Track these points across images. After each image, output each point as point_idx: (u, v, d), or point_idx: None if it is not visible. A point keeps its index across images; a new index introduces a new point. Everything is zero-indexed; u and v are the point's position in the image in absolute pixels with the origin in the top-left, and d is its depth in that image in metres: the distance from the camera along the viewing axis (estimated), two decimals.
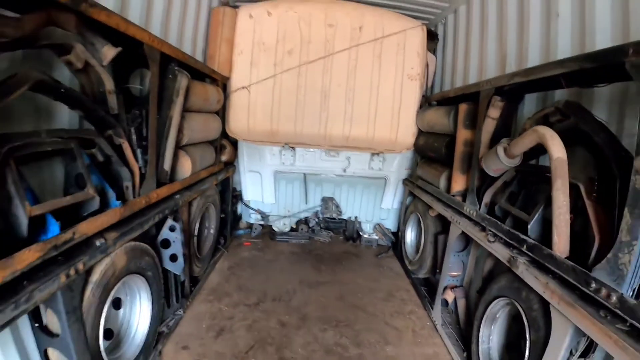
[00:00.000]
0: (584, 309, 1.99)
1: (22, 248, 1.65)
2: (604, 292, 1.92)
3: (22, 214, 1.69)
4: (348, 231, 6.49)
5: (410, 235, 5.50)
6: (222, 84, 4.99)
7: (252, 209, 6.20)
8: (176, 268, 3.35)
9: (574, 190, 2.32)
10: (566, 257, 2.24)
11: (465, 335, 3.67)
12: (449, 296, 4.04)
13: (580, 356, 2.25)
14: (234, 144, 5.68)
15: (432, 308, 4.22)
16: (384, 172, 5.95)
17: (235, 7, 5.56)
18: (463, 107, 3.83)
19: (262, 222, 6.31)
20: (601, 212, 2.15)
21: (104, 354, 2.43)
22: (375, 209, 6.34)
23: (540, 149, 2.64)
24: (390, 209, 6.30)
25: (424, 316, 4.31)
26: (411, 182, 5.44)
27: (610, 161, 2.12)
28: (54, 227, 1.86)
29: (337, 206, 6.21)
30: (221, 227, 5.30)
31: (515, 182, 3.02)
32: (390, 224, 6.42)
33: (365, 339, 3.78)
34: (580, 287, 2.08)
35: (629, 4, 2.56)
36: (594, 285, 1.98)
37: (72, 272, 1.94)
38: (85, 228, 2.05)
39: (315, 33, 5.34)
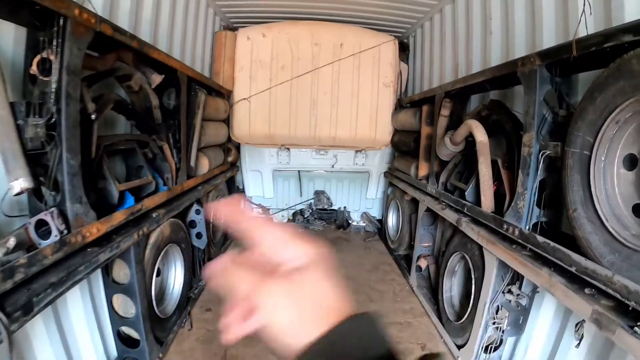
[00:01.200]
0: (501, 245, 2.87)
1: (114, 212, 2.52)
2: (510, 229, 2.80)
3: (114, 189, 2.55)
4: (338, 220, 7.36)
5: (391, 219, 6.39)
6: (227, 96, 5.88)
7: (254, 203, 7.07)
8: (200, 244, 4.21)
9: (495, 164, 3.22)
10: (491, 212, 3.13)
11: (436, 292, 4.54)
12: (422, 263, 4.93)
13: (509, 284, 3.13)
14: (237, 147, 6.57)
15: (410, 275, 5.09)
16: (367, 166, 6.87)
17: (235, 29, 6.47)
18: (425, 108, 4.75)
19: (263, 215, 7.16)
20: (510, 176, 3.04)
21: (154, 302, 3.27)
22: (362, 199, 7.26)
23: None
24: (374, 199, 7.22)
25: (403, 282, 5.18)
26: (390, 174, 6.34)
27: (512, 140, 3.02)
28: (129, 200, 2.72)
29: (328, 198, 7.11)
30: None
31: (461, 164, 3.92)
32: (376, 212, 7.33)
33: (353, 299, 4.63)
34: (498, 229, 2.96)
35: (535, 24, 3.45)
36: (505, 226, 2.87)
37: (140, 233, 2.79)
38: (148, 203, 2.92)
39: (304, 51, 6.26)
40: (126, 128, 3.51)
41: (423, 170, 4.74)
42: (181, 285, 3.86)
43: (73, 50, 2.01)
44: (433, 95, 4.46)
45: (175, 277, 3.82)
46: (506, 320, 3.05)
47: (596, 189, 2.06)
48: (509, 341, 3.44)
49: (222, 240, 5.76)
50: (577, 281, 2.16)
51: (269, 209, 7.11)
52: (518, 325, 3.11)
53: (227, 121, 5.81)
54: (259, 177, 6.86)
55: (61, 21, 1.95)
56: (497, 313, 3.14)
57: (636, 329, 1.74)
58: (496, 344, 3.29)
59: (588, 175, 2.09)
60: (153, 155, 3.26)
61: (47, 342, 2.56)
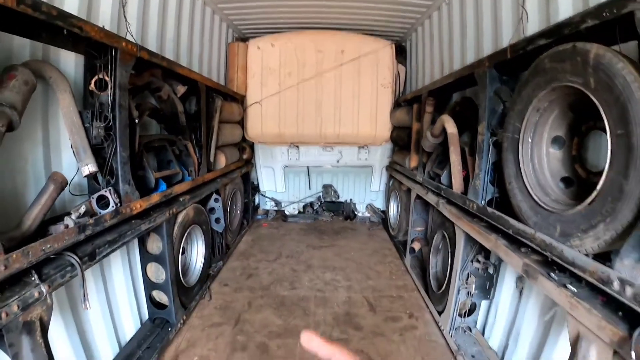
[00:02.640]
0: (466, 219, 3.44)
1: (152, 194, 3.20)
2: (471, 204, 3.37)
3: (152, 177, 3.24)
4: (345, 211, 8.01)
5: (392, 209, 6.98)
6: (241, 100, 6.58)
7: (268, 197, 7.77)
8: (219, 227, 4.90)
9: (464, 152, 3.80)
10: (460, 192, 3.71)
11: (425, 270, 5.11)
12: (416, 245, 5.50)
13: (477, 254, 3.68)
14: (251, 146, 7.27)
15: (405, 257, 5.68)
16: (370, 161, 7.52)
17: (246, 40, 7.17)
18: (415, 107, 5.34)
19: (276, 208, 7.90)
20: (473, 162, 3.62)
21: (180, 270, 3.94)
22: (366, 191, 7.91)
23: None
24: (378, 191, 7.86)
25: (400, 263, 5.78)
26: (391, 167, 6.94)
27: (475, 131, 3.60)
28: (162, 186, 3.41)
29: (335, 191, 7.78)
30: (244, 211, 6.85)
31: (441, 154, 4.51)
32: (379, 204, 7.96)
33: (353, 277, 5.27)
34: (463, 206, 3.54)
35: (497, 29, 4.00)
36: (467, 202, 3.45)
37: (170, 212, 3.47)
38: (176, 189, 3.61)
39: (308, 58, 6.94)
40: (157, 130, 4.21)
41: (414, 161, 5.33)
42: (202, 262, 4.54)
43: (122, 73, 2.71)
44: (420, 95, 5.06)
45: (198, 254, 4.51)
46: (474, 285, 3.62)
47: (524, 164, 2.63)
48: (483, 307, 4.00)
49: (238, 229, 6.46)
50: (516, 242, 2.71)
51: (280, 202, 7.80)
52: (485, 290, 3.65)
53: (241, 123, 6.50)
54: (271, 173, 7.57)
55: (113, 51, 2.64)
56: (467, 280, 3.71)
57: (551, 274, 2.30)
58: (469, 308, 3.87)
59: (518, 154, 2.67)
60: (179, 151, 3.95)
61: (95, 298, 3.24)
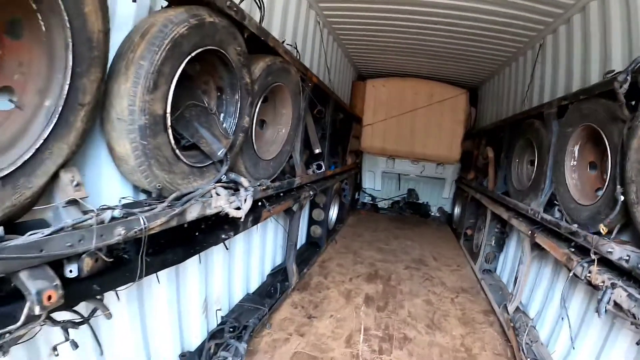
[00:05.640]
0: (492, 203, 6.24)
1: (330, 169, 6.43)
2: (494, 194, 6.19)
3: (330, 161, 6.47)
4: (422, 210, 10.86)
5: (456, 210, 9.73)
6: (359, 122, 9.83)
7: (367, 193, 10.90)
8: (346, 201, 8.09)
9: (497, 167, 6.61)
10: (492, 190, 6.51)
11: (472, 246, 7.83)
12: (469, 232, 8.25)
13: (497, 224, 6.44)
14: (361, 153, 10.46)
15: (460, 239, 8.45)
16: (444, 175, 10.41)
17: (364, 78, 10.44)
18: (476, 140, 8.18)
19: (372, 202, 10.97)
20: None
21: (328, 217, 7.14)
22: (439, 197, 10.78)
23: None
24: (447, 198, 10.68)
25: (456, 244, 8.57)
26: (458, 181, 9.74)
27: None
28: (332, 167, 6.62)
29: (417, 195, 10.72)
30: (352, 199, 9.99)
31: (486, 169, 7.30)
32: (448, 208, 10.74)
33: (425, 246, 8.16)
34: (491, 196, 6.35)
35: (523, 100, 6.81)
36: (495, 195, 6.26)
37: (331, 182, 6.67)
38: (329, 173, 6.81)
39: (408, 97, 10.04)
40: None
41: (472, 174, 8.15)
42: (335, 218, 7.71)
43: (332, 110, 5.97)
44: (479, 132, 7.91)
45: (334, 212, 7.68)
46: (493, 241, 6.39)
47: (513, 171, 5.48)
48: (500, 259, 6.71)
49: (347, 211, 9.62)
50: (508, 208, 5.49)
51: (376, 198, 10.90)
52: (500, 245, 6.38)
53: (358, 137, 9.73)
54: (372, 176, 10.74)
55: (329, 99, 5.90)
56: (491, 239, 6.47)
57: (517, 217, 5.10)
58: (491, 259, 6.61)
59: (510, 167, 5.51)
60: (336, 150, 7.17)
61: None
